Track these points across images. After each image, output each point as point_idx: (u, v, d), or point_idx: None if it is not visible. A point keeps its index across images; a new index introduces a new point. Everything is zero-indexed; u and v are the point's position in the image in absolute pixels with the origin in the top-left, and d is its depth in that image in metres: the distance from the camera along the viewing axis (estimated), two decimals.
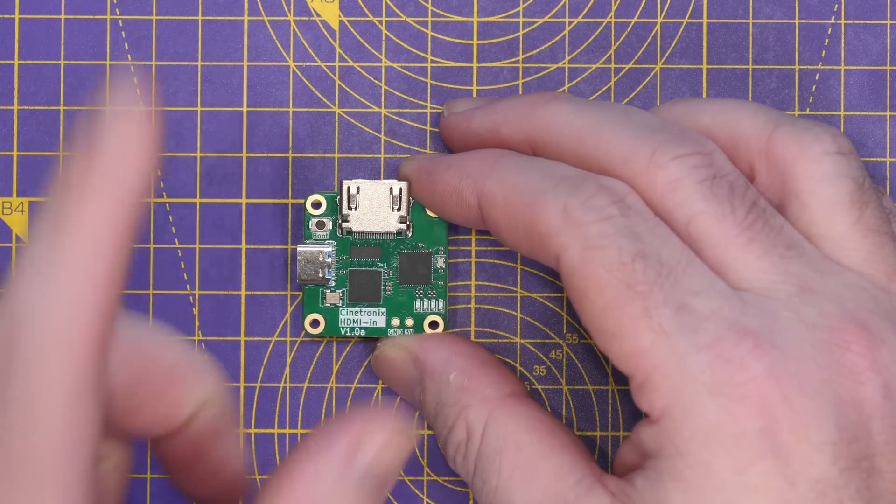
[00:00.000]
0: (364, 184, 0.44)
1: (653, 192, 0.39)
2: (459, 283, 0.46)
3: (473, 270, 0.46)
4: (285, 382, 0.46)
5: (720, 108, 0.41)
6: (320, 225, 0.45)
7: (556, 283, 0.46)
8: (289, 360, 0.46)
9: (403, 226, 0.44)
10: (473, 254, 0.46)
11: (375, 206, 0.44)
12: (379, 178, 0.46)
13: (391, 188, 0.44)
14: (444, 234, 0.45)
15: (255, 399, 0.46)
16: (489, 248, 0.46)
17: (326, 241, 0.45)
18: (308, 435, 0.35)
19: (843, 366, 0.37)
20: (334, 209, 0.45)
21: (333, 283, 0.45)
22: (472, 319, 0.46)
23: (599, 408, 0.45)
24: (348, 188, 0.44)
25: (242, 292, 0.46)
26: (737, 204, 0.39)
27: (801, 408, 0.37)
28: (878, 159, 0.46)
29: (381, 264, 0.45)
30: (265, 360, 0.46)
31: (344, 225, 0.44)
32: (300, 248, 0.44)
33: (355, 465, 0.34)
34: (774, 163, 0.40)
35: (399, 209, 0.44)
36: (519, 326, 0.46)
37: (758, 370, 0.37)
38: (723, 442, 0.37)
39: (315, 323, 0.45)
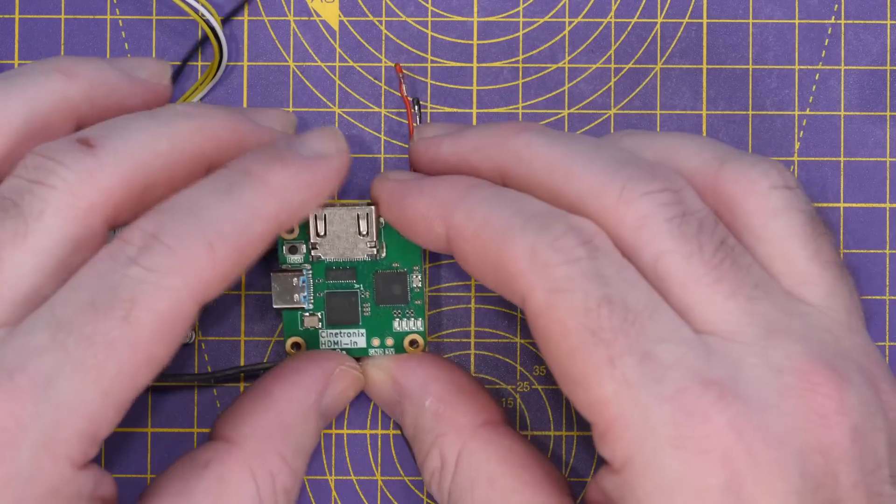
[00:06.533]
0: (330, 211, 0.43)
1: (622, 228, 0.38)
2: (459, 283, 0.46)
3: None
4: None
5: (665, 145, 0.41)
6: (293, 250, 0.44)
7: None
8: None
9: (374, 251, 0.44)
10: None
11: (342, 233, 0.44)
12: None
13: (357, 214, 0.43)
14: (417, 253, 0.44)
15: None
16: None
17: (301, 266, 0.44)
18: (286, 363, 0.43)
19: (811, 410, 0.37)
20: (307, 238, 0.44)
21: (311, 307, 0.44)
22: (472, 320, 0.46)
23: None
24: (315, 215, 0.44)
25: (242, 292, 0.46)
26: (705, 242, 0.38)
27: (765, 459, 0.36)
28: (878, 159, 0.46)
29: (357, 285, 0.44)
30: (265, 361, 0.46)
31: (313, 252, 0.44)
32: (273, 275, 0.44)
33: (320, 404, 0.42)
34: (722, 200, 0.39)
35: (367, 234, 0.44)
36: (519, 326, 0.46)
37: (721, 422, 0.36)
38: (685, 496, 0.36)
39: (296, 346, 0.44)
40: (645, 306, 0.37)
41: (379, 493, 0.45)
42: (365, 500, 0.45)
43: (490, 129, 0.42)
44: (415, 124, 0.45)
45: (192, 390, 0.45)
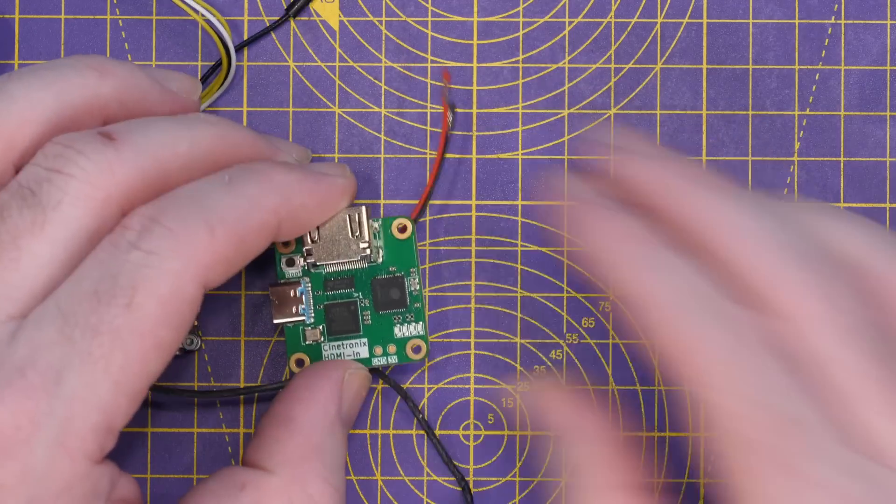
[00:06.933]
0: None
1: (796, 327, 0.36)
2: (459, 283, 0.46)
3: (473, 270, 0.46)
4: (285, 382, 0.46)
5: (849, 233, 0.39)
6: (290, 263, 0.44)
7: (556, 283, 0.46)
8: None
9: (367, 251, 0.44)
10: (473, 254, 0.46)
11: (336, 236, 0.44)
12: (379, 178, 0.46)
13: (349, 216, 0.43)
14: (413, 254, 0.44)
15: (255, 399, 0.46)
16: (489, 248, 0.46)
17: (299, 279, 0.44)
18: (297, 382, 0.42)
19: None
20: (301, 245, 0.44)
21: (312, 321, 0.44)
22: (473, 319, 0.46)
23: (600, 408, 0.45)
24: None
25: (242, 292, 0.46)
26: (879, 356, 0.36)
27: None
28: (878, 159, 0.46)
29: (356, 294, 0.44)
30: (265, 360, 0.46)
31: (308, 259, 0.44)
32: (271, 289, 0.44)
33: (341, 414, 0.42)
34: (890, 298, 0.38)
35: (360, 235, 0.44)
36: (519, 326, 0.46)
37: None
38: None
39: (300, 362, 0.44)
40: (824, 427, 0.35)
41: (379, 493, 0.45)
42: (365, 501, 0.45)
43: (685, 172, 0.39)
44: (449, 127, 0.45)
45: (193, 391, 0.45)
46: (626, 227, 0.39)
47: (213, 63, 0.46)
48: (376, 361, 0.44)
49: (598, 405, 0.43)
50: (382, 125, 0.46)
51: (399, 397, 0.45)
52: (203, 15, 0.44)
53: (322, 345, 0.44)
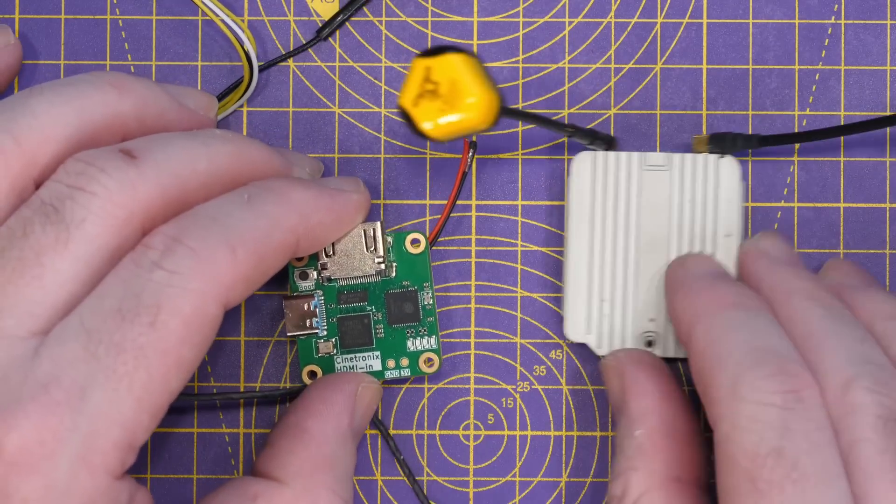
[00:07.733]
0: None
1: (834, 405, 0.38)
2: (459, 283, 0.46)
3: (473, 270, 0.46)
4: (285, 382, 0.46)
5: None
6: (304, 276, 0.44)
7: (556, 283, 0.46)
8: (288, 360, 0.46)
9: (382, 266, 0.44)
10: (473, 254, 0.46)
11: (351, 250, 0.44)
12: (379, 178, 0.46)
13: (364, 231, 0.44)
14: (427, 269, 0.44)
15: (255, 401, 0.45)
16: (489, 248, 0.46)
17: (312, 292, 0.44)
18: (311, 394, 0.43)
19: None
20: (316, 259, 0.44)
21: (325, 333, 0.44)
22: (472, 319, 0.46)
23: (599, 408, 0.45)
24: None
25: None
26: None
27: None
28: (878, 159, 0.46)
29: (369, 307, 0.44)
30: (265, 360, 0.46)
31: (323, 273, 0.44)
32: (285, 302, 0.44)
33: (353, 426, 0.42)
34: None
35: (375, 250, 0.44)
36: (519, 326, 0.46)
37: None
38: None
39: (312, 374, 0.44)
40: (815, 472, 0.37)
41: (379, 493, 0.45)
42: (365, 501, 0.45)
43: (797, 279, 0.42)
44: (467, 163, 0.45)
45: (193, 391, 0.45)
46: (706, 292, 0.42)
47: (212, 63, 0.46)
48: (389, 374, 0.44)
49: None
50: (382, 125, 0.46)
51: (399, 397, 0.45)
52: (231, 28, 0.44)
53: (335, 357, 0.44)
